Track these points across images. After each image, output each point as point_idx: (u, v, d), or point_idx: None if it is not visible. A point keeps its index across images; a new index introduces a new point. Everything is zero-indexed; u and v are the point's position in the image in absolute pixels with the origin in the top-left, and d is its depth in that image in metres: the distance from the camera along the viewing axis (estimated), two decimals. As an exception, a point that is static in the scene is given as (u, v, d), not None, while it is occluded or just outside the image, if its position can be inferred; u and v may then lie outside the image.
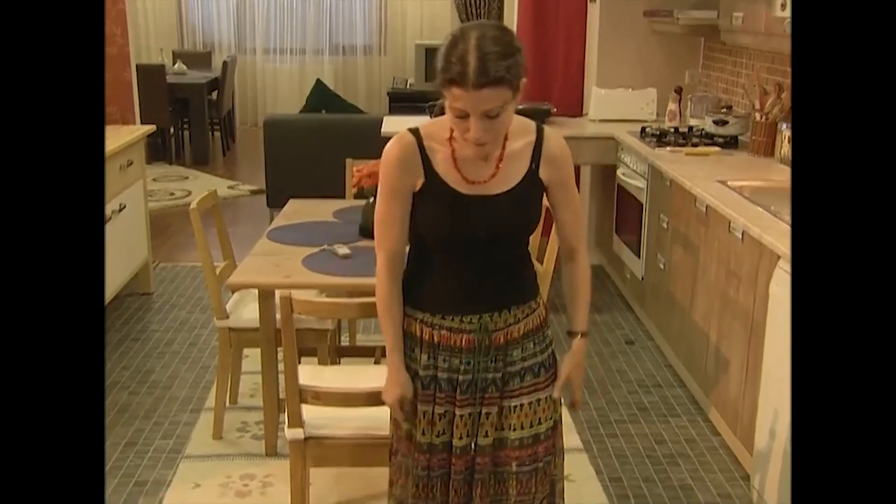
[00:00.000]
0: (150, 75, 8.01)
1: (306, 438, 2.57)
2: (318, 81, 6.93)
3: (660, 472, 3.30)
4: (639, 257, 4.58)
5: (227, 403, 3.64)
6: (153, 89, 8.02)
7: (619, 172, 4.90)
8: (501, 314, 2.07)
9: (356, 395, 2.51)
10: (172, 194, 7.38)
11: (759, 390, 3.02)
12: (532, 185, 2.05)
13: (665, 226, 4.15)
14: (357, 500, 3.07)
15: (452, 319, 2.06)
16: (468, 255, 2.04)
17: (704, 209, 3.61)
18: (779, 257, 2.85)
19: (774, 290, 2.88)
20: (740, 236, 3.23)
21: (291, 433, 2.55)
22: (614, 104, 5.37)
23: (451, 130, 1.98)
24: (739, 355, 3.27)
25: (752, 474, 3.06)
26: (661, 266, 4.23)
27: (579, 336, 2.18)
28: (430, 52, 8.93)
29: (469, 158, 1.99)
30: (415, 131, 2.03)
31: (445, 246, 2.04)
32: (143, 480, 3.19)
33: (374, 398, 2.51)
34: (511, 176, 2.02)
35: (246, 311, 3.42)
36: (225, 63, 9.04)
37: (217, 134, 9.46)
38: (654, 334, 4.46)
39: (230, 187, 7.71)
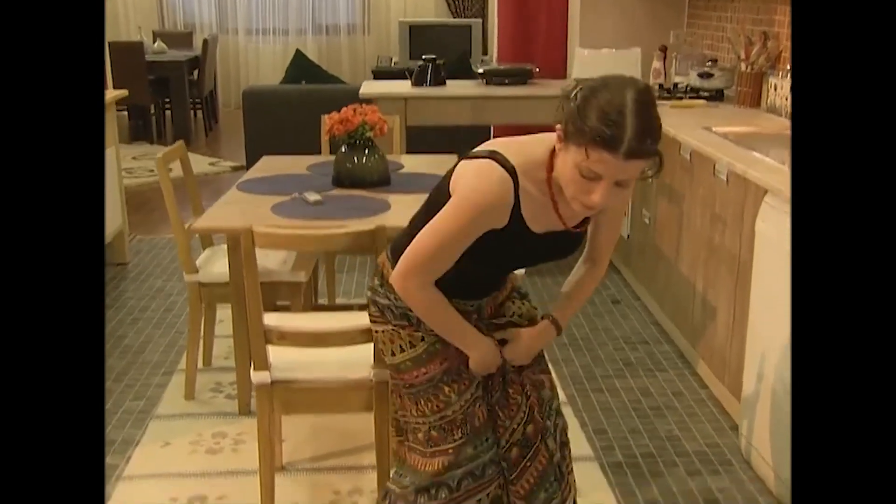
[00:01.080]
0: (128, 53, 7.86)
1: (273, 382, 2.44)
2: (298, 52, 6.79)
3: (646, 423, 3.20)
4: (624, 215, 4.47)
5: (201, 365, 3.53)
6: (131, 67, 7.87)
7: (603, 131, 4.79)
8: (495, 296, 2.11)
9: (326, 334, 2.39)
10: (152, 171, 7.23)
11: (746, 333, 2.91)
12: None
13: (649, 180, 4.04)
14: (334, 455, 2.96)
15: (456, 302, 1.98)
16: (500, 271, 2.05)
17: (689, 156, 3.51)
18: (765, 191, 2.75)
19: (761, 227, 2.78)
20: (725, 178, 3.13)
21: (257, 377, 2.42)
22: (598, 65, 5.24)
23: (549, 171, 1.80)
24: (726, 300, 3.17)
25: (740, 420, 2.96)
26: (647, 221, 4.12)
27: (554, 326, 2.05)
28: (413, 30, 8.76)
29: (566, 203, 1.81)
30: (511, 171, 1.79)
31: (487, 266, 1.96)
32: (111, 440, 3.07)
33: (344, 337, 2.40)
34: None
35: (216, 267, 3.30)
36: (205, 41, 8.88)
37: (199, 114, 9.30)
38: (641, 293, 4.35)
39: (211, 164, 7.58)
